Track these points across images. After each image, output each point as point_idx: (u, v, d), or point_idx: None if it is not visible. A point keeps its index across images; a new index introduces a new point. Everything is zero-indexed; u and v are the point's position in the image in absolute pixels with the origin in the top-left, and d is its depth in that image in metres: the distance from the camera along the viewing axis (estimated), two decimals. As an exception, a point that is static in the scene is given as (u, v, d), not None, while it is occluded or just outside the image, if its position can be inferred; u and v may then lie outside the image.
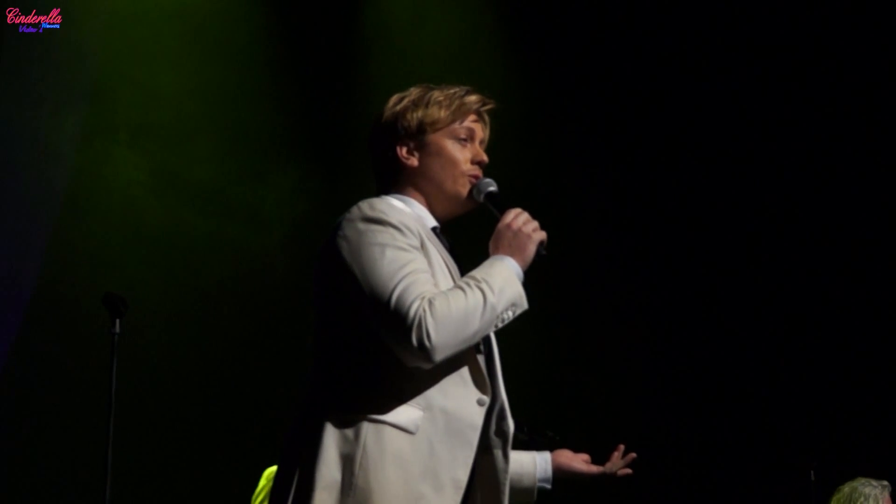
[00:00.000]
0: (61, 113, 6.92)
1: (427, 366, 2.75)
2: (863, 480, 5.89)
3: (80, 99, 7.00)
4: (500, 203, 3.02)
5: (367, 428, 2.75)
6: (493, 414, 2.91)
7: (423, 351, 2.72)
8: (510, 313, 2.84)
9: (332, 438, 2.76)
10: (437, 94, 3.04)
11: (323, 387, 2.85)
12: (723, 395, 8.04)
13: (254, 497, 5.41)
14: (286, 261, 7.32)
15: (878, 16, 8.04)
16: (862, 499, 5.81)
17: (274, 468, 5.29)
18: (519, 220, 2.94)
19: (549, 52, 8.26)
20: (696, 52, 8.31)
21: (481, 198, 3.02)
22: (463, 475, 2.81)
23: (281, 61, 7.67)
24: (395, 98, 3.08)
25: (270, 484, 5.22)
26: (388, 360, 2.78)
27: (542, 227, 2.97)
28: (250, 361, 7.16)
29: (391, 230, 2.82)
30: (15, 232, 6.80)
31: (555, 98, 8.23)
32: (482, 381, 2.88)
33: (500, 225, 2.94)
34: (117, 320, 4.92)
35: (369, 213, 2.84)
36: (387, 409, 2.77)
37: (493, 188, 3.03)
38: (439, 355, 2.74)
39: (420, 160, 3.01)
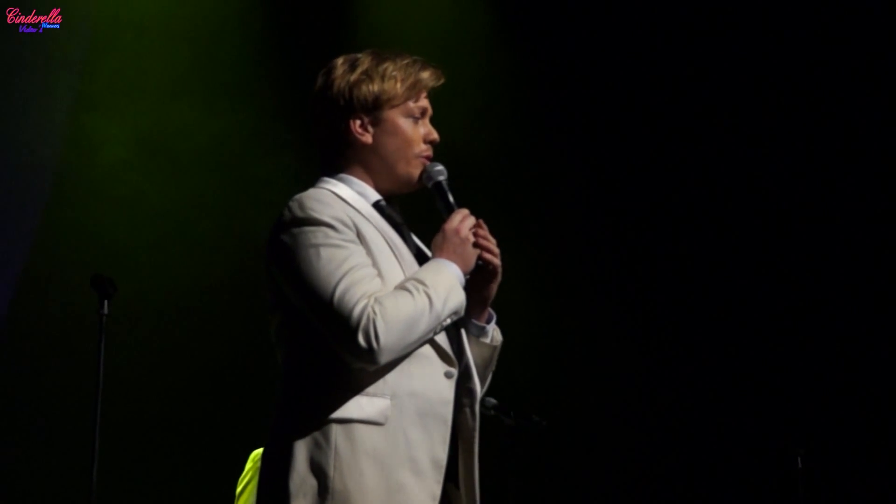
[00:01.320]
0: (51, 86, 6.92)
1: (371, 367, 2.71)
2: None
3: (71, 72, 6.99)
4: (448, 195, 2.94)
5: (335, 429, 2.71)
6: (459, 377, 2.86)
7: (371, 353, 2.68)
8: (450, 321, 2.80)
9: (302, 445, 2.72)
10: (390, 67, 2.92)
11: (288, 393, 2.81)
12: (710, 382, 8.04)
13: (240, 480, 5.41)
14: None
15: (879, 16, 8.03)
16: None
17: (259, 451, 5.30)
18: (465, 225, 2.87)
19: (540, 40, 8.23)
20: (691, 38, 8.28)
21: (429, 184, 2.94)
22: (442, 452, 2.78)
23: (271, 56, 7.65)
24: (343, 65, 2.95)
25: (256, 467, 5.22)
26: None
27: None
28: (242, 343, 7.15)
29: (323, 229, 2.76)
30: (5, 209, 6.80)
31: (546, 88, 8.21)
32: (445, 354, 2.83)
33: (448, 228, 2.87)
34: (105, 301, 4.90)
35: (299, 213, 2.78)
36: (352, 406, 2.72)
37: (443, 177, 2.94)
38: (385, 358, 2.70)
39: (374, 137, 2.91)
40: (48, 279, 6.92)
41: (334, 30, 7.76)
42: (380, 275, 2.79)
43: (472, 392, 2.87)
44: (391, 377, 2.75)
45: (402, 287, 2.76)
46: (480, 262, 2.89)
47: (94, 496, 4.70)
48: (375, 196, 2.93)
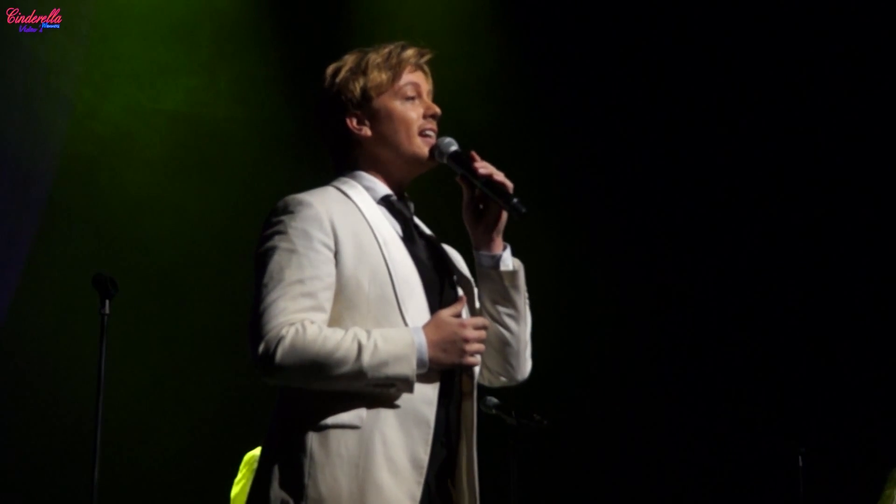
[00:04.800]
0: (52, 85, 6.93)
1: (263, 377, 2.72)
2: None
3: (74, 62, 7.00)
4: (466, 161, 2.91)
5: (311, 437, 2.71)
6: (455, 369, 2.84)
7: (262, 364, 2.70)
8: (384, 386, 2.72)
9: (281, 455, 2.73)
10: (373, 57, 2.94)
11: (279, 400, 2.82)
12: (711, 382, 8.04)
13: (234, 483, 5.41)
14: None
15: (878, 15, 8.03)
16: (891, 483, 5.77)
17: (253, 453, 5.30)
18: (470, 332, 2.79)
19: (541, 28, 8.24)
20: (693, 28, 8.29)
21: (444, 159, 2.93)
22: (423, 453, 2.75)
23: (273, 48, 7.66)
24: (331, 70, 2.97)
25: (250, 468, 5.22)
26: None
27: (530, 206, 2.91)
28: (242, 342, 7.14)
29: (290, 233, 2.78)
30: (5, 209, 6.80)
31: (549, 76, 8.21)
32: None
33: (454, 322, 2.78)
34: (107, 301, 4.89)
35: (273, 219, 2.82)
36: (328, 411, 2.71)
37: (454, 147, 2.93)
38: (273, 376, 2.71)
39: (372, 128, 2.91)
40: (49, 279, 6.92)
41: (335, 19, 7.79)
42: (357, 277, 2.77)
43: (470, 384, 2.87)
44: None
45: (344, 329, 2.73)
46: (487, 190, 2.88)
47: (96, 496, 4.69)
48: (385, 191, 2.92)
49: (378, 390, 2.72)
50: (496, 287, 2.94)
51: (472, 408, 2.86)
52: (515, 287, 2.95)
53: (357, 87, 2.91)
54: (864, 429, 7.65)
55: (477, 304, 2.99)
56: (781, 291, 8.17)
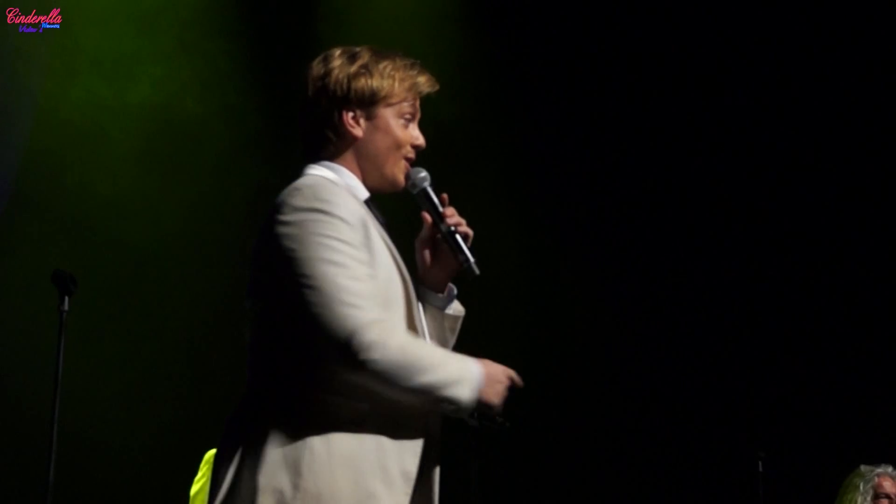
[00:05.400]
0: (14, 82, 6.88)
1: (347, 372, 2.65)
2: (858, 470, 5.86)
3: (39, 54, 6.96)
4: (435, 201, 2.95)
5: (312, 429, 2.67)
6: None
7: (347, 355, 2.62)
8: (444, 403, 2.73)
9: (276, 442, 2.67)
10: (389, 66, 2.90)
11: (264, 386, 2.75)
12: (672, 386, 8.07)
13: (195, 481, 5.37)
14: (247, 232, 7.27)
15: (877, 15, 8.07)
16: (847, 490, 5.80)
17: (213, 451, 5.27)
18: (508, 375, 2.85)
19: (509, 26, 8.25)
20: (662, 21, 8.32)
21: (416, 191, 2.94)
22: (412, 465, 2.74)
23: (238, 39, 7.63)
24: (342, 56, 2.92)
25: (211, 468, 5.19)
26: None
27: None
28: (203, 342, 7.11)
29: (337, 223, 2.71)
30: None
31: (516, 73, 8.22)
32: None
33: (500, 366, 2.83)
34: (66, 298, 4.86)
35: (314, 202, 2.72)
36: (332, 406, 2.68)
37: (427, 183, 2.94)
38: (359, 371, 2.64)
39: (365, 132, 2.88)
40: (8, 275, 6.87)
41: (301, 10, 7.77)
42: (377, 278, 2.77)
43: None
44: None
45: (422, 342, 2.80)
46: (449, 240, 2.92)
47: (51, 495, 4.65)
48: (365, 194, 2.90)
49: (431, 408, 2.76)
50: (436, 325, 2.99)
51: (438, 424, 2.86)
52: (453, 331, 3.02)
53: (368, 86, 2.87)
54: (823, 433, 7.70)
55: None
56: (742, 297, 8.21)
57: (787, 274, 8.15)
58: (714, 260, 8.23)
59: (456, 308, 3.02)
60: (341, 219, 2.72)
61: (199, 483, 5.31)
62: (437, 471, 2.84)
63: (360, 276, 2.69)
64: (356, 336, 2.62)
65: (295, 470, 2.65)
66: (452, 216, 2.94)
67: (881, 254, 8.08)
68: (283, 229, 2.71)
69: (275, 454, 2.66)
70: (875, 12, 8.06)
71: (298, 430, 2.67)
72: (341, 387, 2.69)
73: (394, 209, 3.04)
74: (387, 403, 2.71)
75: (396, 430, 2.73)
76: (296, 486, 2.64)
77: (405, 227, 3.02)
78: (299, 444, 2.66)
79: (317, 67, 2.91)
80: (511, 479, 7.68)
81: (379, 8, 7.85)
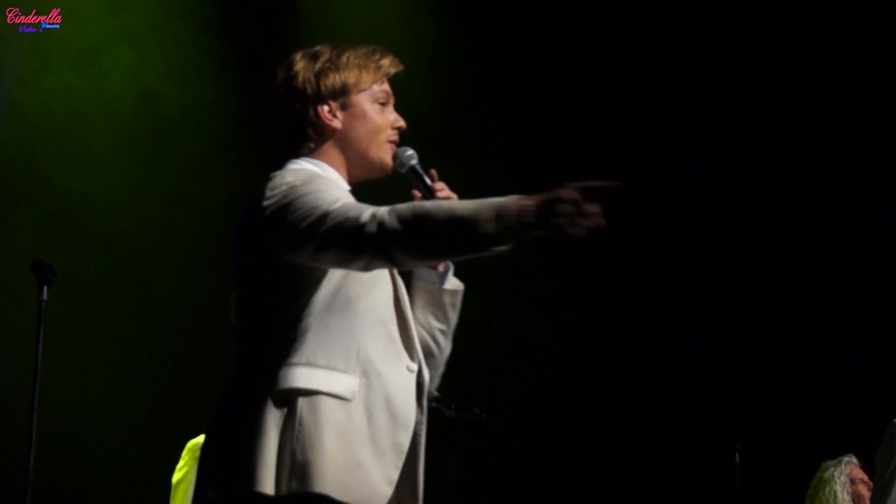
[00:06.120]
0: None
1: (374, 253, 2.63)
2: (823, 466, 5.92)
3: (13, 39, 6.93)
4: (424, 177, 2.99)
5: (301, 401, 2.72)
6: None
7: (371, 236, 2.61)
8: (477, 243, 2.60)
9: (268, 416, 2.72)
10: (351, 55, 2.98)
11: (252, 364, 2.80)
12: (649, 377, 8.09)
13: (176, 470, 5.37)
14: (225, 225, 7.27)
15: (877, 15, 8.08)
16: (822, 485, 5.86)
17: (196, 440, 5.28)
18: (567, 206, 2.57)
19: (482, 17, 8.25)
20: (639, 12, 8.33)
21: (403, 170, 3.00)
22: (404, 439, 2.80)
23: (212, 25, 7.61)
24: (303, 57, 2.99)
25: (193, 457, 5.19)
26: (318, 329, 2.76)
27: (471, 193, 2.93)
28: (184, 331, 7.11)
29: (319, 180, 2.80)
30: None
31: (491, 61, 8.22)
32: (411, 348, 2.88)
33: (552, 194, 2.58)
34: (45, 287, 4.85)
35: (291, 177, 2.80)
36: (321, 379, 2.73)
37: (415, 161, 3.00)
38: (391, 242, 2.61)
39: (343, 122, 2.94)
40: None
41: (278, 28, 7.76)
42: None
43: (421, 385, 2.91)
44: (363, 356, 2.78)
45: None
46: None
47: (31, 485, 4.65)
48: (346, 185, 2.95)
49: (461, 255, 2.69)
50: (436, 303, 3.03)
51: (423, 403, 2.90)
52: (454, 306, 3.05)
53: (337, 78, 2.94)
54: (799, 425, 7.73)
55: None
56: (718, 288, 8.23)
57: (762, 266, 8.18)
58: (690, 252, 8.25)
59: (454, 283, 3.05)
60: (323, 178, 2.82)
61: (182, 471, 5.31)
62: (420, 454, 2.87)
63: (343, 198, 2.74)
64: (352, 211, 2.65)
65: (286, 442, 2.70)
66: (442, 190, 2.99)
67: (858, 245, 8.10)
68: (268, 201, 2.77)
69: (268, 428, 2.71)
70: (875, 12, 8.07)
71: (289, 404, 2.72)
72: (331, 359, 2.75)
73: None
74: (377, 377, 2.78)
75: (387, 404, 2.78)
76: (287, 457, 2.69)
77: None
78: (290, 416, 2.71)
79: (281, 73, 2.99)
80: (489, 471, 7.70)
81: (359, 13, 7.84)
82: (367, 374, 2.77)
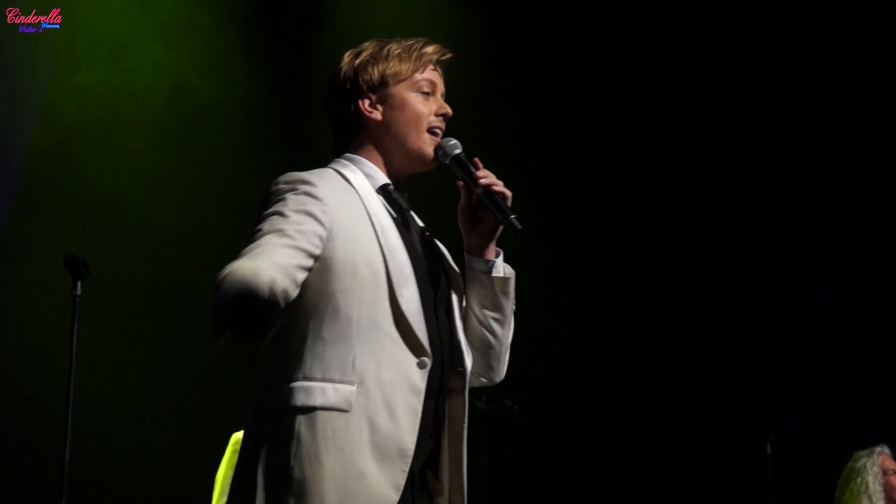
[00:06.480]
0: (25, 60, 6.90)
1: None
2: (854, 456, 5.91)
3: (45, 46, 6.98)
4: (469, 166, 2.96)
5: (299, 419, 2.70)
6: (444, 363, 2.86)
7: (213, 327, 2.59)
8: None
9: (268, 435, 2.72)
10: (394, 47, 2.98)
11: (264, 383, 2.82)
12: (680, 369, 8.08)
13: (221, 464, 5.39)
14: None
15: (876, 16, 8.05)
16: (854, 475, 5.84)
17: (239, 433, 5.29)
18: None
19: (509, 14, 8.25)
20: (663, 10, 8.32)
21: (447, 160, 2.97)
22: (410, 442, 2.75)
23: (240, 20, 7.64)
24: (349, 54, 3.01)
25: (235, 449, 5.21)
26: (313, 342, 2.75)
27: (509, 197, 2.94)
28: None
29: (289, 203, 2.75)
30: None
31: (519, 55, 8.22)
32: (418, 344, 2.81)
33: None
34: (79, 282, 4.89)
35: (280, 188, 2.79)
36: (317, 393, 2.71)
37: (458, 150, 2.98)
38: (220, 314, 2.56)
39: (384, 114, 2.95)
40: (21, 259, 6.89)
41: (303, 28, 7.78)
42: (353, 261, 2.78)
43: (462, 376, 2.89)
44: (359, 364, 2.74)
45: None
46: (486, 200, 2.92)
47: (66, 480, 4.69)
48: (384, 179, 2.95)
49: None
50: (486, 292, 3.00)
51: (462, 404, 2.88)
52: (505, 293, 3.01)
53: (376, 71, 2.95)
54: (831, 415, 7.71)
55: (463, 302, 3.02)
56: (748, 280, 8.21)
57: (794, 257, 8.15)
58: (721, 243, 8.24)
59: (506, 270, 3.02)
60: (294, 200, 2.75)
61: (226, 467, 5.33)
62: (463, 448, 2.87)
63: (291, 233, 2.70)
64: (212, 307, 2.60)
65: (285, 460, 2.69)
66: (486, 177, 2.95)
67: (893, 236, 8.07)
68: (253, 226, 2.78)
69: (265, 448, 2.72)
70: (875, 13, 8.04)
71: (288, 422, 2.71)
72: (325, 372, 2.73)
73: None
74: (376, 384, 2.75)
75: (390, 409, 2.75)
76: (286, 475, 2.69)
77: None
78: (286, 434, 2.70)
79: (331, 74, 3.01)
80: (520, 462, 7.71)
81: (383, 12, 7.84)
82: (364, 381, 2.73)
